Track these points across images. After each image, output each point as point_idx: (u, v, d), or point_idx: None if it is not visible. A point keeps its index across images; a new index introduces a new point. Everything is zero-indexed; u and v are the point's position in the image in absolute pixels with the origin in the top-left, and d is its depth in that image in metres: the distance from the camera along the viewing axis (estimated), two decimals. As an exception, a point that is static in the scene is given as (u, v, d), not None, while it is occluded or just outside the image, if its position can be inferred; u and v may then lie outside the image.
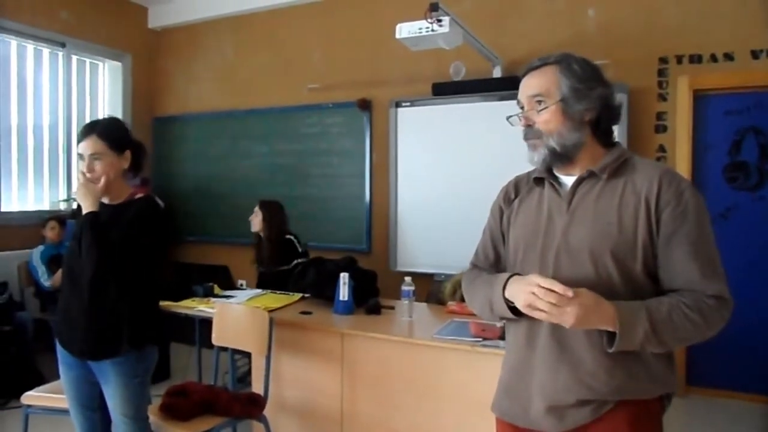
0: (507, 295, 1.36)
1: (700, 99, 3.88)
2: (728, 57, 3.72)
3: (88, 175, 2.04)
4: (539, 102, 1.40)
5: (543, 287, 1.23)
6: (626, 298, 1.28)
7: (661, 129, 3.92)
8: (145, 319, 2.14)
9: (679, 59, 3.85)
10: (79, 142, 2.08)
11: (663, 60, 3.90)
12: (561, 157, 1.40)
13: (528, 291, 1.26)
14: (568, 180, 1.44)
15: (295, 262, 3.77)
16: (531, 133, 1.42)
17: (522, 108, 1.45)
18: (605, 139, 1.44)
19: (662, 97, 3.91)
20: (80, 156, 2.08)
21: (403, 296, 2.86)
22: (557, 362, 1.35)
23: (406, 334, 2.65)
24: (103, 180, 2.04)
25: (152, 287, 2.19)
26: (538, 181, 1.50)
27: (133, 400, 2.11)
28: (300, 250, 3.89)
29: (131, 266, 2.02)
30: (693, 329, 1.26)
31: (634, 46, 3.96)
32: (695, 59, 3.81)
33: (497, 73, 4.22)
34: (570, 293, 1.20)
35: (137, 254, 2.03)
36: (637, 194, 1.33)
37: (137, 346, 2.09)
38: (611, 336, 1.26)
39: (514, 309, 1.36)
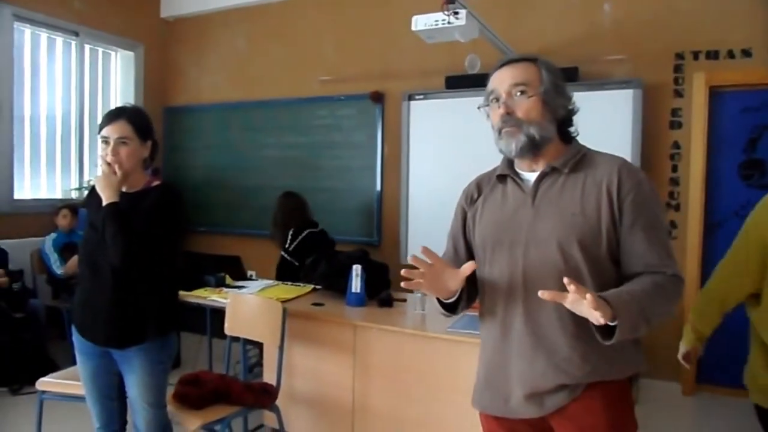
0: None
1: (716, 95, 3.84)
2: (746, 53, 3.68)
3: (108, 159, 2.00)
4: (521, 92, 1.44)
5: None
6: (594, 283, 1.35)
7: (676, 125, 3.89)
8: (168, 305, 2.17)
9: (696, 55, 3.82)
10: (105, 125, 2.03)
11: (679, 56, 3.86)
12: (536, 146, 1.44)
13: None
14: (530, 176, 1.49)
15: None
16: (510, 120, 1.44)
17: (496, 99, 1.48)
18: (566, 137, 1.51)
19: (678, 93, 3.88)
20: (104, 140, 2.03)
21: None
22: (533, 351, 1.40)
23: (419, 326, 2.65)
24: (123, 168, 2.02)
25: (174, 273, 2.20)
26: (501, 178, 1.55)
27: (155, 387, 2.13)
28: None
29: (155, 253, 2.02)
30: (666, 303, 1.34)
31: (649, 42, 3.92)
32: (712, 55, 3.77)
33: (511, 66, 4.19)
34: None
35: (161, 241, 2.03)
36: (598, 185, 1.39)
37: (162, 333, 2.11)
38: (600, 329, 1.28)
39: (447, 306, 1.52)
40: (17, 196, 4.76)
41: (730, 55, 3.72)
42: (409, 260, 1.37)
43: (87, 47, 5.34)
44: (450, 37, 3.14)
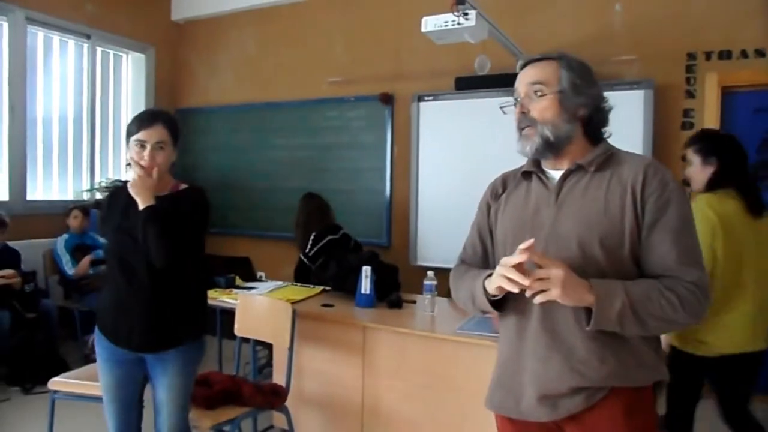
0: (486, 285, 1.40)
1: (728, 96, 3.80)
2: (759, 53, 3.63)
3: (145, 163, 1.97)
4: (537, 92, 1.43)
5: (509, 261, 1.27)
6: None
7: (687, 126, 3.85)
8: (202, 306, 2.18)
9: (708, 55, 3.78)
10: (140, 128, 1.98)
11: (691, 56, 3.83)
12: (552, 147, 1.42)
13: (497, 273, 1.31)
14: (556, 174, 1.47)
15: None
16: (525, 120, 1.44)
17: (516, 99, 1.48)
18: (594, 137, 1.48)
19: (690, 94, 3.85)
20: (141, 143, 1.99)
21: (425, 290, 2.85)
22: (548, 351, 1.37)
23: (429, 328, 2.64)
24: (159, 172, 2.01)
25: (203, 275, 2.21)
26: (526, 175, 1.54)
27: (185, 389, 2.13)
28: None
29: (191, 254, 2.04)
30: (670, 309, 1.27)
31: (661, 42, 3.90)
32: (724, 55, 3.74)
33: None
34: (528, 245, 1.24)
35: (196, 242, 2.06)
36: (623, 184, 1.36)
37: (198, 334, 2.13)
38: (589, 316, 1.27)
39: (496, 303, 1.43)
40: (30, 197, 4.80)
41: (743, 54, 3.69)
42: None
43: (99, 50, 5.38)
44: (459, 38, 3.14)
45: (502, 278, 1.28)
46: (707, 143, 2.47)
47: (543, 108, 1.42)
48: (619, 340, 1.32)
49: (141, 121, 2.01)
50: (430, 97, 4.56)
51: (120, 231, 2.01)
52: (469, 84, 4.30)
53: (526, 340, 1.42)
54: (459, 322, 2.62)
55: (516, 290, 1.27)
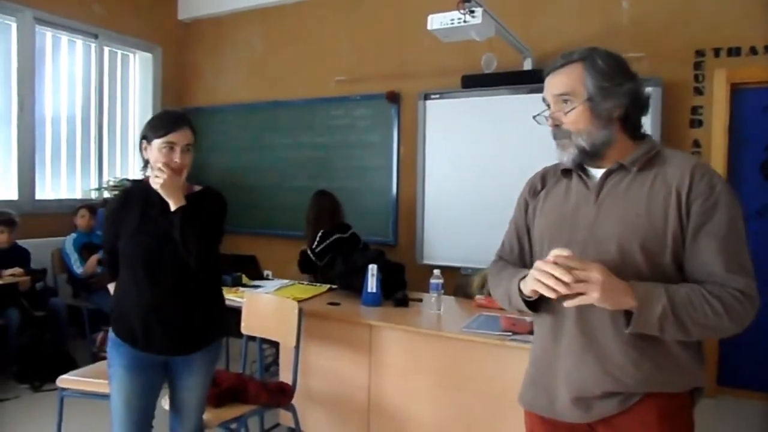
0: (521, 286, 1.37)
1: (737, 93, 3.78)
2: (768, 50, 3.61)
3: (175, 165, 1.97)
4: (566, 102, 1.38)
5: (547, 261, 1.23)
6: None
7: (696, 123, 3.83)
8: (224, 305, 2.21)
9: (717, 52, 3.76)
10: (170, 131, 1.96)
11: (699, 53, 3.80)
12: (590, 155, 1.38)
13: (532, 276, 1.27)
14: (597, 172, 1.42)
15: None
16: (559, 133, 1.40)
17: (548, 106, 1.43)
18: (634, 133, 1.41)
19: (698, 91, 3.82)
20: (170, 145, 1.96)
21: (431, 289, 2.85)
22: (583, 353, 1.34)
23: (435, 326, 2.64)
24: (185, 172, 2.01)
25: (220, 275, 2.25)
26: (566, 172, 1.48)
27: (207, 389, 2.16)
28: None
29: (216, 254, 2.09)
30: (713, 316, 1.22)
31: (669, 39, 3.87)
32: (733, 52, 3.71)
33: (527, 65, 4.16)
34: (568, 254, 1.22)
35: (218, 242, 2.10)
36: (668, 186, 1.30)
37: (223, 333, 2.18)
38: (628, 318, 1.24)
39: (531, 303, 1.40)
40: (39, 196, 4.84)
41: (752, 51, 3.66)
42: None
43: (106, 49, 5.41)
44: (466, 35, 3.13)
45: (537, 282, 1.24)
46: None
47: (574, 121, 1.37)
48: (658, 345, 1.29)
49: (169, 124, 1.98)
50: (437, 96, 4.55)
51: (141, 234, 1.99)
52: (475, 82, 4.29)
53: (561, 341, 1.40)
54: (465, 320, 2.62)
55: (553, 296, 1.22)
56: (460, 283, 3.64)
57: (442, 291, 2.86)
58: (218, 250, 2.14)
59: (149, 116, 6.04)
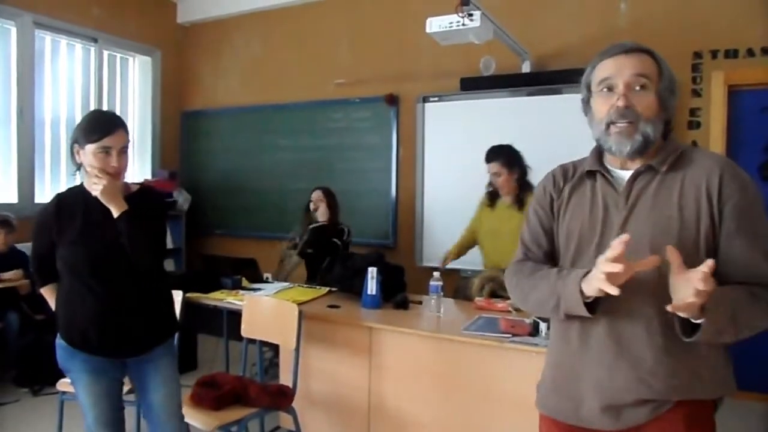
0: (584, 287, 1.27)
1: (735, 95, 3.79)
2: (766, 52, 3.61)
3: (111, 169, 1.93)
4: (642, 86, 1.32)
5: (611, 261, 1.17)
6: None
7: (694, 125, 3.84)
8: (172, 301, 2.24)
9: (714, 54, 3.77)
10: (103, 135, 1.91)
11: (697, 54, 3.81)
12: (647, 148, 1.33)
13: (598, 273, 1.19)
14: (623, 174, 1.39)
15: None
16: (629, 114, 1.31)
17: (609, 88, 1.34)
18: (665, 135, 1.40)
19: (696, 93, 3.83)
20: (105, 150, 1.92)
21: (431, 291, 2.85)
22: (615, 360, 1.31)
23: (435, 329, 2.65)
24: (123, 175, 2.00)
25: (164, 270, 2.25)
26: (590, 174, 1.44)
27: (178, 388, 2.16)
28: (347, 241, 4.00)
29: (163, 251, 2.14)
30: (764, 316, 1.23)
31: (667, 41, 3.87)
32: (731, 54, 3.72)
33: (526, 68, 4.17)
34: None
35: (164, 239, 2.14)
36: (697, 187, 1.29)
37: (176, 329, 2.22)
38: (684, 325, 1.21)
39: (588, 306, 1.30)
40: (38, 199, 4.83)
41: (750, 53, 3.66)
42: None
43: (105, 53, 5.41)
44: (464, 38, 3.14)
45: (603, 279, 1.17)
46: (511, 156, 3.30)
47: (648, 104, 1.31)
48: (692, 352, 1.27)
49: (103, 127, 1.92)
50: (436, 98, 4.56)
51: (85, 240, 1.94)
52: (474, 85, 4.30)
53: (589, 346, 1.35)
54: (465, 322, 2.63)
55: (615, 292, 1.16)
56: (459, 285, 3.64)
57: (442, 293, 2.87)
58: (164, 248, 2.17)
59: (149, 120, 6.02)
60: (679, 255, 1.15)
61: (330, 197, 4.08)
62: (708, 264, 1.11)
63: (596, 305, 1.30)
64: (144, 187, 2.17)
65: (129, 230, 1.93)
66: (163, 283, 2.18)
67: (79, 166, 2.00)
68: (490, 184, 3.45)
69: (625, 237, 1.16)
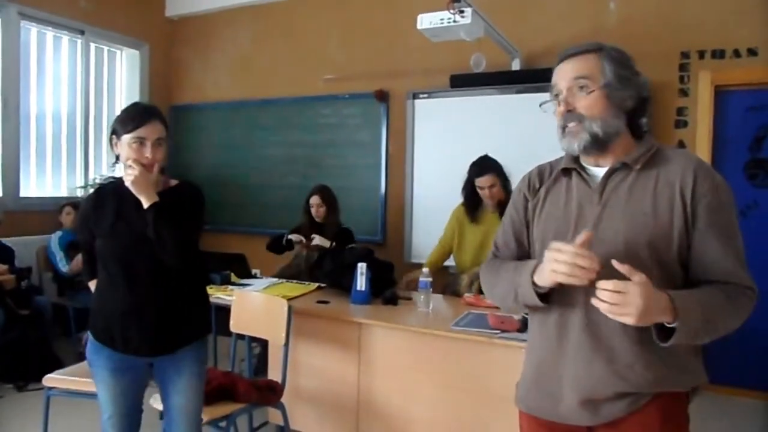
0: (535, 278, 1.32)
1: (721, 94, 3.83)
2: (752, 52, 3.66)
3: (146, 160, 1.89)
4: (582, 87, 1.36)
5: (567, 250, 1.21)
6: (660, 288, 1.24)
7: (681, 124, 3.88)
8: (206, 302, 2.16)
9: (701, 54, 3.81)
10: (138, 125, 1.88)
11: (685, 54, 3.85)
12: (600, 143, 1.36)
13: (551, 259, 1.24)
14: (598, 171, 1.41)
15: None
16: (571, 117, 1.37)
17: (557, 95, 1.41)
18: (637, 131, 1.41)
19: (683, 92, 3.87)
20: (140, 140, 1.89)
21: (420, 287, 2.86)
22: (592, 354, 1.32)
23: (424, 324, 2.65)
24: (157, 168, 1.94)
25: (203, 270, 2.19)
26: (566, 171, 1.46)
27: (201, 392, 2.08)
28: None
29: (196, 248, 2.02)
30: (735, 318, 1.27)
31: (655, 41, 3.91)
32: (718, 54, 3.76)
33: (516, 65, 4.19)
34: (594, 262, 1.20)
35: (198, 236, 2.03)
36: (671, 185, 1.31)
37: (206, 330, 2.10)
38: (659, 329, 1.23)
39: (542, 296, 1.34)
40: (23, 193, 4.78)
41: (736, 54, 3.71)
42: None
43: (92, 46, 5.36)
44: (455, 35, 3.15)
45: (564, 265, 1.21)
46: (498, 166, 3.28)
47: (590, 104, 1.35)
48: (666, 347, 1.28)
49: (137, 118, 1.90)
50: (425, 95, 4.57)
51: (116, 233, 1.93)
52: (464, 82, 4.31)
53: (566, 341, 1.37)
54: (454, 318, 2.64)
55: (580, 282, 1.21)
56: (448, 281, 3.66)
57: (431, 289, 2.87)
58: (198, 246, 2.06)
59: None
60: (628, 267, 1.18)
61: (329, 200, 4.04)
62: (582, 237, 1.22)
63: (549, 297, 1.36)
64: (183, 182, 2.10)
65: (156, 223, 1.86)
66: (197, 282, 2.08)
67: (117, 158, 1.98)
68: (469, 197, 3.38)
69: (587, 233, 1.22)
